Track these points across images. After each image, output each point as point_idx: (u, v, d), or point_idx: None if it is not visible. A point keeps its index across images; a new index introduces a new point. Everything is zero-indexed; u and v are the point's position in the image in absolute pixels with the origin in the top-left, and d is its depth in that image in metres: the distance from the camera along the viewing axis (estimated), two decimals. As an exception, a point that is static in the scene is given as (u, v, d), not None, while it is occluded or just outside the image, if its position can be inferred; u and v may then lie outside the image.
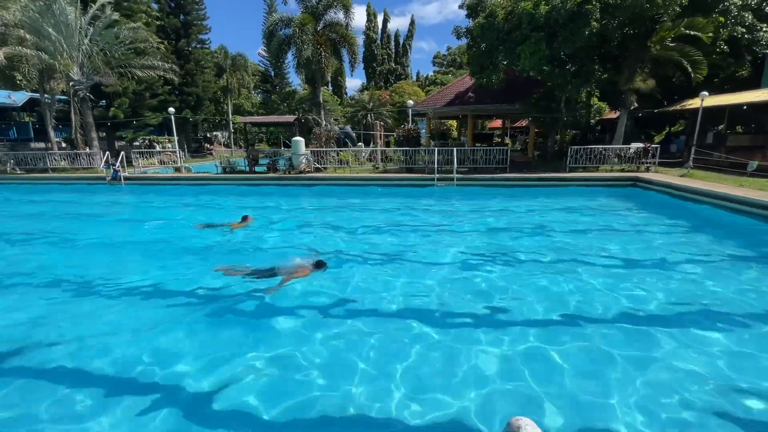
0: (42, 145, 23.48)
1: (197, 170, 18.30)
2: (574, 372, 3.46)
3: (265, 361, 3.69)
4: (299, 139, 16.03)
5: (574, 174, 14.12)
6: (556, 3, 12.61)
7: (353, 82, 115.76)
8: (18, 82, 20.55)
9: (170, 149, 20.70)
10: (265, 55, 41.85)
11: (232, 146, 39.00)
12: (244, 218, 8.78)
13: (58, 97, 21.78)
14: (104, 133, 24.50)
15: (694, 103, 14.70)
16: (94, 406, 3.16)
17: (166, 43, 27.35)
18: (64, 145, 23.58)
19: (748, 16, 14.42)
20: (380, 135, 25.89)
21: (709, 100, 13.68)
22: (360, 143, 23.56)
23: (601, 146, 15.05)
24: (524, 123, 27.43)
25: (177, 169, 17.83)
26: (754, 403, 3.08)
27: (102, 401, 3.21)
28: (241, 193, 14.26)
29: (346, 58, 23.45)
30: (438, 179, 14.18)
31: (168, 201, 13.11)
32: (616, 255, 6.54)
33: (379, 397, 3.19)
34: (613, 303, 4.78)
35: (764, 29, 14.70)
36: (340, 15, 21.69)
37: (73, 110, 20.03)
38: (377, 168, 16.62)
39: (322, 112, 23.72)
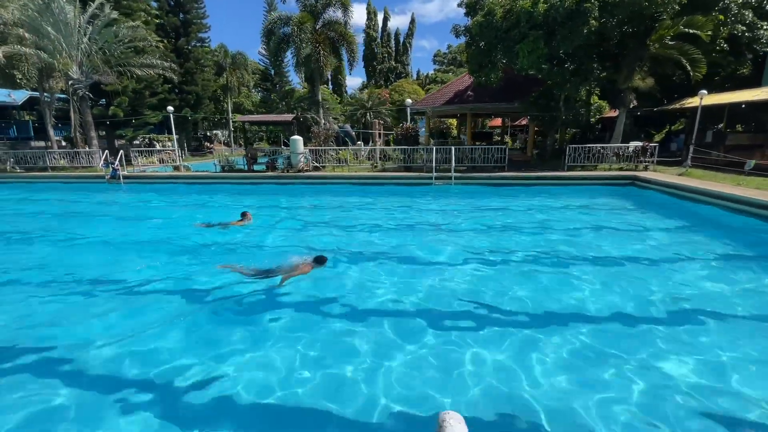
0: (42, 143, 23.52)
1: (196, 169, 18.32)
2: (573, 371, 3.47)
3: (265, 361, 3.70)
4: (297, 138, 16.05)
5: (572, 173, 14.11)
6: (555, 1, 12.58)
7: (353, 81, 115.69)
8: (18, 80, 20.63)
9: (170, 148, 20.73)
10: (265, 53, 41.82)
11: (232, 145, 39.03)
12: (243, 215, 8.78)
13: (57, 95, 21.81)
14: (104, 132, 24.53)
15: (693, 101, 14.66)
16: (94, 406, 3.18)
17: (165, 41, 27.36)
18: (63, 143, 23.62)
19: (749, 14, 14.35)
20: (379, 134, 25.89)
21: (708, 99, 13.65)
22: (359, 142, 23.57)
23: (599, 145, 15.03)
24: (524, 121, 27.37)
25: (176, 168, 17.86)
26: (745, 403, 3.09)
27: (102, 401, 3.23)
28: (240, 192, 14.28)
29: (345, 56, 23.43)
30: (436, 178, 14.19)
31: (167, 200, 13.14)
32: (614, 254, 6.54)
33: (379, 397, 3.20)
34: (610, 302, 4.79)
35: (765, 27, 14.62)
36: (339, 13, 21.70)
37: (72, 109, 20.05)
38: (376, 167, 16.63)
39: (321, 111, 23.71)
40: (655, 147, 14.12)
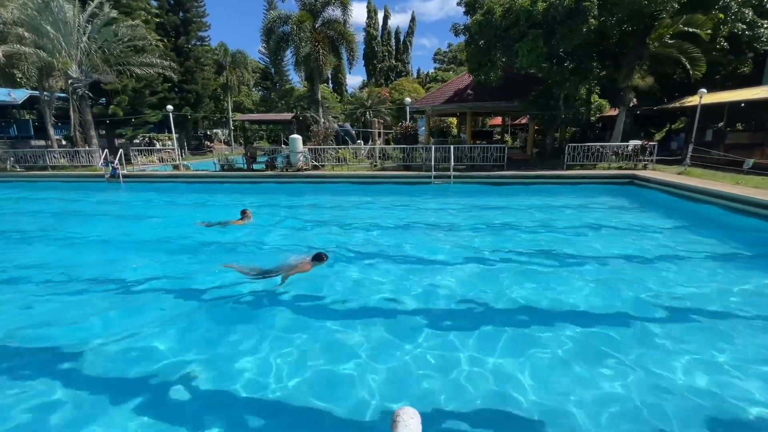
0: (42, 142, 23.52)
1: (196, 168, 18.33)
2: (571, 370, 3.49)
3: (264, 359, 3.72)
4: (296, 137, 16.05)
5: (572, 171, 14.10)
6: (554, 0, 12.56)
7: (354, 79, 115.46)
8: (18, 79, 20.62)
9: (170, 147, 20.73)
10: (265, 52, 41.74)
11: (233, 144, 39.03)
12: (243, 213, 8.79)
13: (57, 94, 21.79)
14: (104, 131, 24.54)
15: (693, 100, 14.64)
16: (93, 404, 3.20)
17: (165, 40, 27.31)
18: (63, 142, 23.63)
19: (749, 13, 14.31)
20: (379, 132, 25.87)
21: (707, 98, 13.63)
22: (359, 141, 23.56)
23: (598, 144, 15.01)
24: (524, 120, 27.34)
25: (176, 167, 17.86)
26: (744, 403, 3.10)
27: (101, 399, 3.25)
28: (240, 191, 14.29)
29: (344, 55, 23.39)
30: (435, 177, 14.19)
31: (166, 199, 13.15)
32: (613, 253, 6.55)
33: (375, 396, 3.21)
34: (608, 301, 4.80)
35: (765, 26, 14.58)
36: (338, 12, 21.63)
37: (72, 108, 20.04)
38: (375, 166, 16.64)
39: (321, 110, 23.68)
40: (654, 146, 14.10)
